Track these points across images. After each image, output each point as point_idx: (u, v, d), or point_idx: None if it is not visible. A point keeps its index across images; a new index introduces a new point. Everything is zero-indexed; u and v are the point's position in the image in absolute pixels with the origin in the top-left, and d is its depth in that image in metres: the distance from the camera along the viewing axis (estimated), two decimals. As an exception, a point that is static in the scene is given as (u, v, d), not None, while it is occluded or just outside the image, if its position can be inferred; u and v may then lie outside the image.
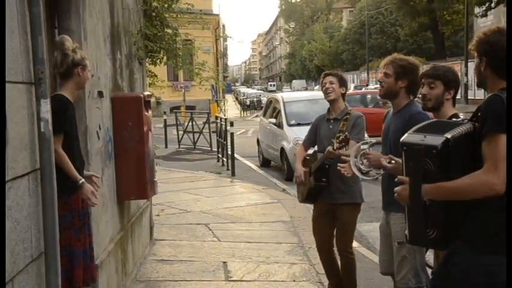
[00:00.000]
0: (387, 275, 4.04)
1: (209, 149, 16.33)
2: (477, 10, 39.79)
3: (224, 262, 6.04)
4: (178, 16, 7.39)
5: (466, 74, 34.72)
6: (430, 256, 4.17)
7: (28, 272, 2.87)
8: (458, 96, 3.64)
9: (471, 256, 2.55)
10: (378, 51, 61.68)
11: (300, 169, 4.74)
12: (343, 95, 4.74)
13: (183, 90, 28.99)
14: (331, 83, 4.66)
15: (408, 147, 2.61)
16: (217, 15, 36.34)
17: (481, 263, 2.51)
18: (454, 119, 3.03)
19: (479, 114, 2.55)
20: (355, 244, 6.48)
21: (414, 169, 2.57)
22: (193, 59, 8.31)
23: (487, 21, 40.94)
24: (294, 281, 5.48)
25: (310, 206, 8.41)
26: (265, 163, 13.83)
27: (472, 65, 36.21)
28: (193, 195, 9.73)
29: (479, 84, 2.72)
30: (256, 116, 36.06)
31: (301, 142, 11.72)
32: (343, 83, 4.72)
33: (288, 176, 11.61)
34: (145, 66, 6.96)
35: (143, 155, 5.12)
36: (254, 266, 5.90)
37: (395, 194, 2.71)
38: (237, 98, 59.79)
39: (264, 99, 44.09)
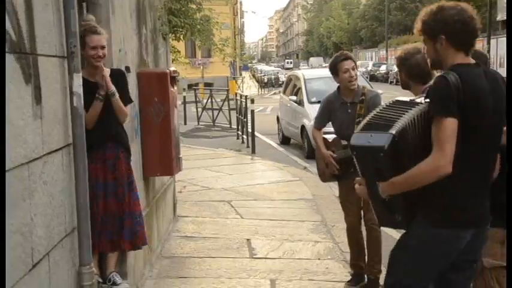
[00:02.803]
0: None
1: (228, 126, 16.31)
2: (500, -14, 39.02)
3: (248, 239, 6.04)
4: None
5: (489, 51, 34.19)
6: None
7: (62, 247, 2.87)
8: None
9: (429, 228, 2.66)
10: (397, 28, 60.93)
11: (325, 154, 4.66)
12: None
13: (201, 67, 28.93)
14: (353, 69, 4.56)
15: (357, 150, 2.69)
16: (236, -9, 36.02)
17: (437, 235, 2.66)
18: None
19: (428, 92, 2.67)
20: (379, 223, 6.48)
21: (367, 171, 2.70)
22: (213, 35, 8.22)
23: (511, -2, 40.14)
24: (319, 259, 5.45)
25: (332, 184, 8.41)
26: (284, 141, 13.77)
27: (496, 41, 35.75)
28: (215, 172, 9.73)
29: (434, 65, 2.83)
30: (274, 94, 35.94)
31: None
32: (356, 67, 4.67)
33: (308, 153, 11.55)
34: (169, 42, 6.91)
35: (169, 131, 5.10)
36: (278, 243, 5.89)
37: (356, 190, 2.89)
38: (253, 76, 59.57)
39: (282, 77, 44.03)
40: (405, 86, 3.81)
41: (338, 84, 4.69)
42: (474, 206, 2.70)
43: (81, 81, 3.03)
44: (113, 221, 3.76)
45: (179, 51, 7.69)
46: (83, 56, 3.56)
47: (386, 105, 2.77)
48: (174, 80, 5.34)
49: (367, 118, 2.77)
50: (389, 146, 2.54)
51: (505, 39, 36.08)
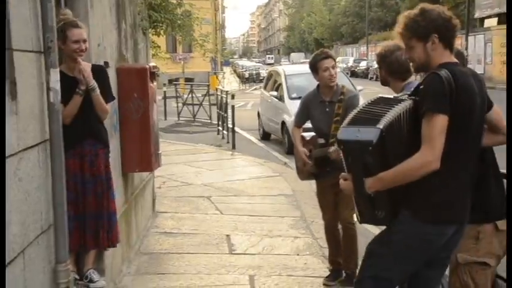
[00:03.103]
0: None
1: (209, 121, 16.27)
2: (479, -17, 39.44)
3: (227, 235, 6.04)
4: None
5: (467, 48, 34.55)
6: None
7: (38, 244, 2.84)
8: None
9: (413, 223, 2.68)
10: (378, 25, 61.27)
11: (301, 152, 4.69)
12: None
13: (182, 62, 28.79)
14: (333, 67, 4.56)
15: (345, 145, 2.67)
16: (217, -14, 35.87)
17: (421, 230, 2.68)
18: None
19: (419, 89, 2.65)
20: (359, 219, 6.52)
21: (354, 166, 2.68)
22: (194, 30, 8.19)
23: (489, -5, 40.64)
24: (298, 254, 5.48)
25: (312, 181, 8.47)
26: (265, 136, 13.78)
27: (474, 39, 36.09)
28: (195, 167, 9.71)
29: (421, 69, 2.80)
30: (255, 89, 35.92)
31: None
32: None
33: (289, 149, 11.56)
34: (149, 37, 6.86)
35: (148, 127, 5.07)
36: (257, 239, 5.90)
37: (340, 186, 2.82)
38: (235, 71, 59.45)
39: (263, 72, 44.01)
40: (385, 83, 3.84)
41: (318, 82, 4.70)
42: (460, 203, 2.73)
43: (59, 76, 2.99)
44: (92, 218, 3.72)
45: (159, 46, 7.64)
46: (62, 50, 3.52)
47: (371, 101, 2.77)
48: (153, 75, 5.30)
49: (353, 113, 2.75)
50: (378, 140, 2.54)
51: (482, 36, 36.57)
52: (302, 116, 4.82)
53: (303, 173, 4.83)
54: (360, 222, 2.94)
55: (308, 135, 4.75)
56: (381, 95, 2.85)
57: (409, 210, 2.69)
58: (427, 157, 2.53)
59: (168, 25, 6.70)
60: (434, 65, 2.69)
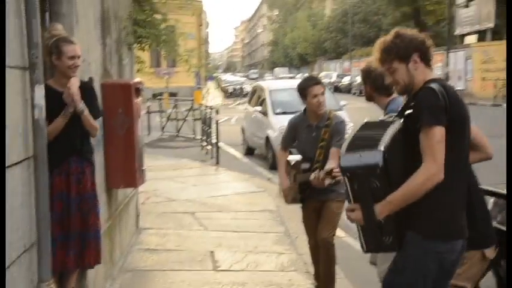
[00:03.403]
0: (375, 264, 4.02)
1: (193, 136, 16.23)
2: (459, 0, 40.09)
3: (211, 252, 6.01)
4: (167, 1, 7.28)
5: (447, 65, 35.03)
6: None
7: (21, 262, 2.80)
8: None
9: (423, 243, 2.65)
10: (361, 40, 61.87)
11: (284, 177, 4.71)
12: None
13: (166, 77, 28.76)
14: (322, 94, 4.55)
15: (351, 172, 2.61)
16: (200, 1, 36.02)
17: (432, 249, 2.65)
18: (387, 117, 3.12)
19: (410, 107, 2.67)
20: (342, 234, 6.54)
21: (361, 193, 2.61)
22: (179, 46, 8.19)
23: (469, 12, 41.30)
24: (283, 271, 5.46)
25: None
26: (249, 151, 13.79)
27: (454, 56, 36.56)
28: (179, 183, 9.67)
29: (405, 90, 2.79)
30: (239, 104, 35.95)
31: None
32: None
33: (272, 165, 11.58)
34: (134, 52, 6.85)
35: (133, 143, 5.05)
36: (242, 255, 5.88)
37: (347, 218, 2.70)
38: (219, 86, 59.53)
39: (247, 87, 44.09)
40: (370, 98, 3.86)
41: (304, 106, 4.73)
42: (461, 216, 2.72)
43: (43, 92, 2.97)
44: (77, 238, 3.68)
45: (144, 62, 7.63)
46: (55, 66, 3.51)
47: (362, 127, 2.76)
48: (138, 91, 5.30)
49: (348, 140, 2.71)
50: (383, 162, 2.52)
51: (462, 53, 37.10)
52: (289, 138, 4.82)
53: (287, 198, 4.84)
54: (366, 252, 2.85)
55: (293, 158, 4.75)
56: (367, 120, 2.85)
57: (415, 231, 2.66)
58: (431, 170, 2.53)
59: (153, 40, 6.70)
60: (418, 84, 2.72)
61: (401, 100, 3.73)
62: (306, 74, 73.92)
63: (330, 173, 4.18)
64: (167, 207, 7.96)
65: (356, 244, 6.40)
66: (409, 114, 2.66)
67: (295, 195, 4.68)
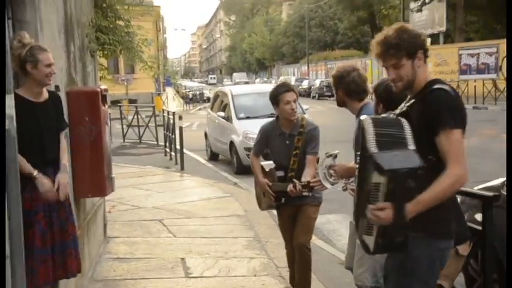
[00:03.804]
0: (351, 269, 4.03)
1: (155, 143, 16.08)
2: (412, 5, 41.02)
3: (182, 258, 5.96)
4: (129, 8, 7.20)
5: (404, 68, 35.70)
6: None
7: (-5, 276, 2.72)
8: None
9: (430, 243, 2.66)
10: (318, 45, 62.61)
11: (263, 183, 4.67)
12: None
13: (125, 83, 28.43)
14: (294, 101, 4.52)
15: (394, 172, 2.47)
16: (158, 6, 35.80)
17: (437, 246, 2.69)
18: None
19: (410, 105, 2.67)
20: (312, 237, 6.57)
21: (399, 193, 2.51)
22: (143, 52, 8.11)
23: (422, 16, 42.30)
24: (255, 275, 5.46)
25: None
26: (213, 157, 13.76)
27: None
28: (144, 190, 9.56)
29: (407, 87, 2.74)
30: (199, 109, 35.84)
31: (250, 135, 11.77)
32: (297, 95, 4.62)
33: (237, 169, 11.61)
34: (97, 59, 6.75)
35: (101, 151, 4.97)
36: (213, 261, 5.85)
37: (371, 217, 2.55)
38: (177, 91, 59.18)
39: (207, 92, 44.02)
40: (341, 104, 3.90)
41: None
42: (453, 216, 2.77)
43: (14, 102, 2.90)
44: (59, 251, 3.60)
45: (107, 69, 7.53)
46: (28, 74, 3.43)
47: (374, 124, 2.62)
48: (104, 98, 5.22)
49: (372, 137, 2.55)
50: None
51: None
52: (260, 145, 4.81)
53: (262, 204, 4.84)
54: (372, 253, 2.72)
55: (267, 164, 4.75)
56: (373, 117, 2.74)
57: (420, 232, 2.64)
58: (459, 172, 2.53)
59: (117, 47, 6.61)
60: (420, 83, 2.71)
61: (372, 105, 3.80)
62: (265, 79, 74.15)
63: (307, 185, 4.21)
64: (134, 215, 7.86)
65: (326, 247, 6.46)
66: (413, 112, 2.65)
67: (271, 202, 4.69)
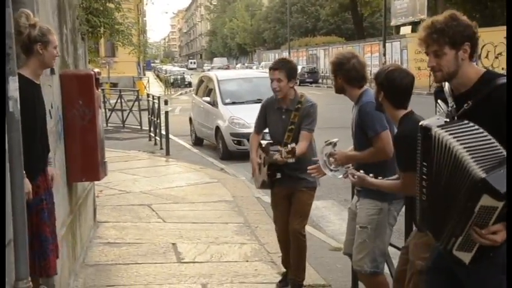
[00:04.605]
0: (349, 255, 4.07)
1: (139, 127, 15.96)
2: (395, -8, 41.18)
3: (173, 244, 5.95)
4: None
5: (384, 54, 35.92)
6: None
7: (-2, 260, 2.69)
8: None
9: (499, 276, 2.41)
10: (299, 31, 62.53)
11: (254, 160, 4.72)
12: (293, 86, 4.62)
13: (107, 67, 28.10)
14: (278, 80, 4.49)
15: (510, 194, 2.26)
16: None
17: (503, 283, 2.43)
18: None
19: (473, 104, 2.43)
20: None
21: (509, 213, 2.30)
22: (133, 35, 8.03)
23: (403, 4, 42.48)
24: (247, 261, 5.48)
25: (252, 185, 8.49)
26: (197, 142, 13.72)
27: (390, 45, 37.49)
28: (130, 175, 9.50)
29: (448, 78, 2.52)
30: (181, 94, 35.64)
31: (236, 121, 11.74)
32: (291, 75, 4.52)
33: (223, 155, 11.60)
34: (87, 42, 6.66)
35: (95, 135, 4.93)
36: (204, 247, 5.86)
37: (483, 241, 2.33)
38: (158, 76, 58.71)
39: (188, 77, 43.75)
40: (340, 90, 3.90)
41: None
42: None
43: (18, 84, 2.85)
44: (54, 241, 3.55)
45: (97, 51, 7.44)
46: (37, 55, 3.34)
47: (449, 133, 2.38)
48: (98, 81, 5.16)
49: (468, 160, 2.30)
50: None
51: (398, 43, 38.15)
52: (260, 122, 4.82)
53: (257, 181, 4.84)
54: (467, 266, 2.48)
55: (265, 141, 4.77)
56: (440, 126, 2.43)
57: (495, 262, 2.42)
58: None
59: (107, 30, 6.53)
60: (470, 76, 2.48)
61: (372, 91, 3.81)
62: (246, 64, 73.63)
63: (291, 151, 4.22)
64: (122, 199, 7.81)
65: (316, 233, 6.50)
66: (480, 107, 2.42)
67: (265, 178, 4.68)
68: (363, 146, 3.75)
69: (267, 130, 4.83)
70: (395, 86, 3.29)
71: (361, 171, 3.42)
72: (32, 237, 3.13)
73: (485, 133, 2.32)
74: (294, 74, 4.58)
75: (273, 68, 4.57)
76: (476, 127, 2.35)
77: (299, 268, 4.74)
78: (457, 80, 2.52)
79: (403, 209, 3.83)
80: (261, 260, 5.50)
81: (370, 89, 3.86)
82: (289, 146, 4.27)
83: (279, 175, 4.62)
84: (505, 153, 2.28)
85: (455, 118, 2.49)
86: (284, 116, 4.59)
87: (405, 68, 3.62)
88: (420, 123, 2.51)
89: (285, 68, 4.54)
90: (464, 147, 2.31)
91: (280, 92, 4.53)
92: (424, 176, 2.49)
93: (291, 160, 4.23)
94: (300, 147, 4.37)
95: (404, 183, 3.11)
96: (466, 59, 2.49)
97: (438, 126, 2.40)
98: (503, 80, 2.40)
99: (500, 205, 2.26)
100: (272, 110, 4.69)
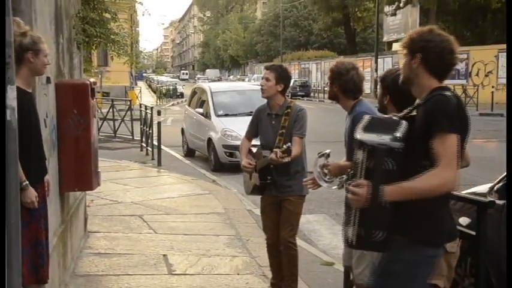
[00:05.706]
0: (349, 268, 4.06)
1: (131, 137, 15.91)
2: (387, 9, 41.52)
3: (164, 255, 5.93)
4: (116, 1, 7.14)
5: (376, 70, 36.16)
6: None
7: (-7, 271, 2.67)
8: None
9: (416, 249, 2.66)
10: (291, 44, 62.82)
11: (245, 161, 4.74)
12: (282, 91, 4.67)
13: (99, 76, 28.02)
14: (267, 79, 4.60)
15: (373, 146, 2.58)
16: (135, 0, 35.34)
17: (425, 254, 2.68)
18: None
19: (415, 112, 2.71)
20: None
21: (376, 169, 2.57)
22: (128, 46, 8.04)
23: (396, 20, 42.86)
24: (238, 274, 5.46)
25: (243, 198, 8.48)
26: (189, 153, 13.69)
27: (382, 61, 37.78)
28: (122, 185, 9.46)
29: (405, 82, 2.82)
30: (173, 105, 35.60)
31: (229, 133, 11.75)
32: (281, 79, 4.61)
33: (215, 166, 11.59)
34: (82, 52, 6.66)
35: (89, 144, 4.92)
36: (195, 259, 5.84)
37: (349, 196, 2.62)
38: (149, 86, 58.65)
39: (180, 88, 43.75)
40: (334, 98, 3.92)
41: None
42: (450, 219, 2.79)
43: (16, 93, 2.84)
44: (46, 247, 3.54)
45: (91, 61, 7.43)
46: (28, 63, 3.35)
47: (371, 117, 2.79)
48: (93, 91, 5.16)
49: (362, 124, 2.72)
50: (401, 146, 2.57)
51: (390, 59, 38.42)
52: (251, 128, 4.89)
53: (249, 186, 4.85)
54: (355, 247, 2.78)
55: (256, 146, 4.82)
56: (372, 115, 2.89)
57: (406, 237, 2.66)
58: (449, 176, 2.52)
59: (103, 39, 6.53)
60: (424, 88, 2.73)
61: (367, 102, 3.84)
62: (238, 76, 73.78)
63: (286, 150, 4.26)
64: (113, 210, 7.78)
65: (307, 247, 6.50)
66: (417, 116, 2.68)
67: (257, 182, 4.68)
68: None
69: (257, 142, 4.87)
70: (402, 90, 3.30)
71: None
72: (30, 245, 3.12)
73: (398, 123, 2.67)
74: (284, 79, 4.66)
75: (266, 67, 4.75)
76: (397, 120, 2.70)
77: (291, 278, 4.74)
78: (414, 88, 2.80)
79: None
80: (252, 273, 5.49)
81: (364, 99, 3.90)
82: (284, 145, 4.33)
83: (269, 179, 4.64)
84: (398, 134, 2.60)
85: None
86: (274, 121, 4.66)
87: None
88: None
89: (276, 70, 4.68)
90: (369, 122, 2.72)
91: (265, 90, 4.64)
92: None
93: (287, 159, 4.28)
94: (295, 149, 4.44)
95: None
96: (422, 71, 2.71)
97: (370, 116, 2.84)
98: (439, 91, 2.65)
99: (362, 156, 2.58)
100: (263, 116, 4.77)
